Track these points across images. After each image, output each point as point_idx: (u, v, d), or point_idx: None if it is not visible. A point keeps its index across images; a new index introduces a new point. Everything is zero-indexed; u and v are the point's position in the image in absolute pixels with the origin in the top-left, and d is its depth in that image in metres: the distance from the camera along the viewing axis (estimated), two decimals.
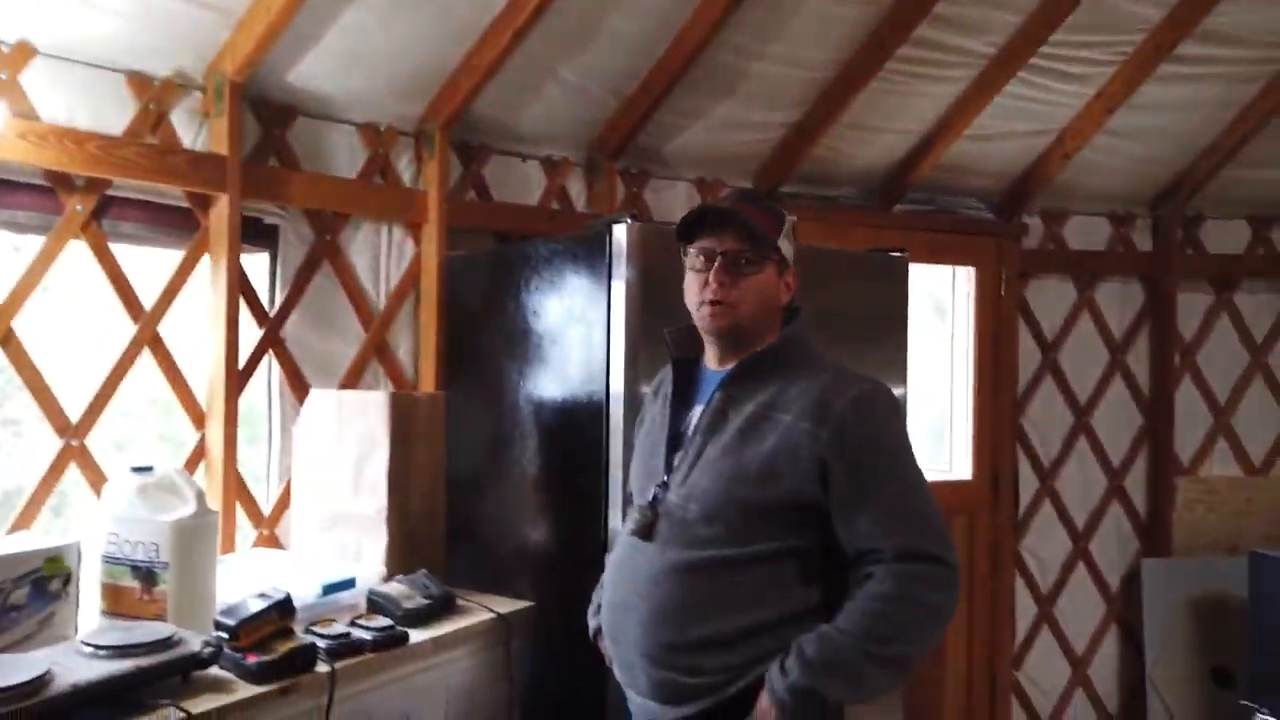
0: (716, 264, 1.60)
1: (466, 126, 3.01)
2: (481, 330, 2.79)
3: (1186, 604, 3.88)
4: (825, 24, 3.14)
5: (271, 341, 2.63)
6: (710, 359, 1.71)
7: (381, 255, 2.89)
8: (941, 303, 4.07)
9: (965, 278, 4.02)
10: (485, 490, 2.67)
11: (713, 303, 1.61)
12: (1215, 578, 3.88)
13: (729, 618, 1.54)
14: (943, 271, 3.98)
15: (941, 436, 3.97)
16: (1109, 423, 4.09)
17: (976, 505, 3.84)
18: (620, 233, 2.27)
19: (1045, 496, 4.04)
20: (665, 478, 1.64)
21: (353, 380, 2.79)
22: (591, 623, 1.83)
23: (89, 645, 1.60)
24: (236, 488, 2.48)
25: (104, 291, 2.35)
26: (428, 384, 2.90)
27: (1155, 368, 4.10)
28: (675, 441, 1.68)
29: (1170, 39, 3.35)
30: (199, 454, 2.46)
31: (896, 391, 2.62)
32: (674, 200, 3.61)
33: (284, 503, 2.63)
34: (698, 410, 1.67)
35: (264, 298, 2.66)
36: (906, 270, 2.78)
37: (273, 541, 2.61)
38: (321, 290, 2.76)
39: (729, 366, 1.66)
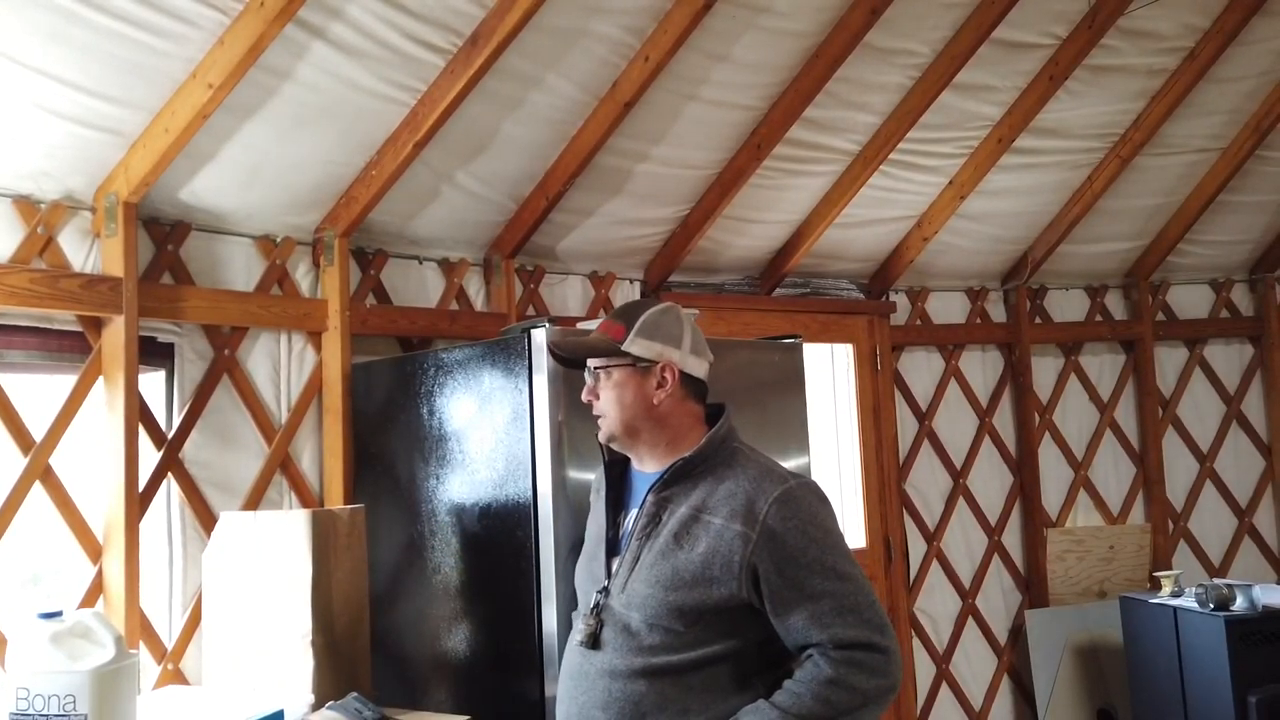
0: (586, 386, 1.75)
1: (364, 233, 3.02)
2: (388, 436, 2.77)
3: (1069, 650, 4.13)
4: (706, 127, 3.35)
5: (171, 463, 2.52)
6: (636, 462, 1.77)
7: (281, 365, 2.84)
8: (820, 381, 4.28)
9: (843, 355, 4.26)
10: (403, 601, 2.62)
11: (595, 416, 1.75)
12: (1091, 623, 4.16)
13: None
14: (820, 350, 4.21)
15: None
16: (984, 482, 4.38)
17: (872, 571, 4.01)
18: (539, 335, 2.33)
19: (933, 557, 4.25)
20: (605, 583, 1.67)
21: (256, 497, 2.69)
22: None
23: None
24: (140, 623, 2.34)
25: None
26: (335, 495, 2.83)
27: (1019, 428, 4.44)
28: (613, 546, 1.71)
29: (1010, 134, 3.73)
30: (96, 589, 2.32)
31: (799, 463, 2.75)
32: (569, 294, 3.70)
33: (188, 635, 2.49)
34: (632, 514, 1.71)
35: (160, 418, 2.56)
36: (801, 353, 2.94)
37: (178, 677, 2.46)
38: (220, 406, 2.67)
39: (656, 470, 1.71)
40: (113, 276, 2.35)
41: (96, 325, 2.38)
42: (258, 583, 2.25)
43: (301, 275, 2.90)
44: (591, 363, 1.74)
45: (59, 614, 1.82)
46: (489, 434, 2.47)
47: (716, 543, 1.58)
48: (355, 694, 2.14)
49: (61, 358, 2.35)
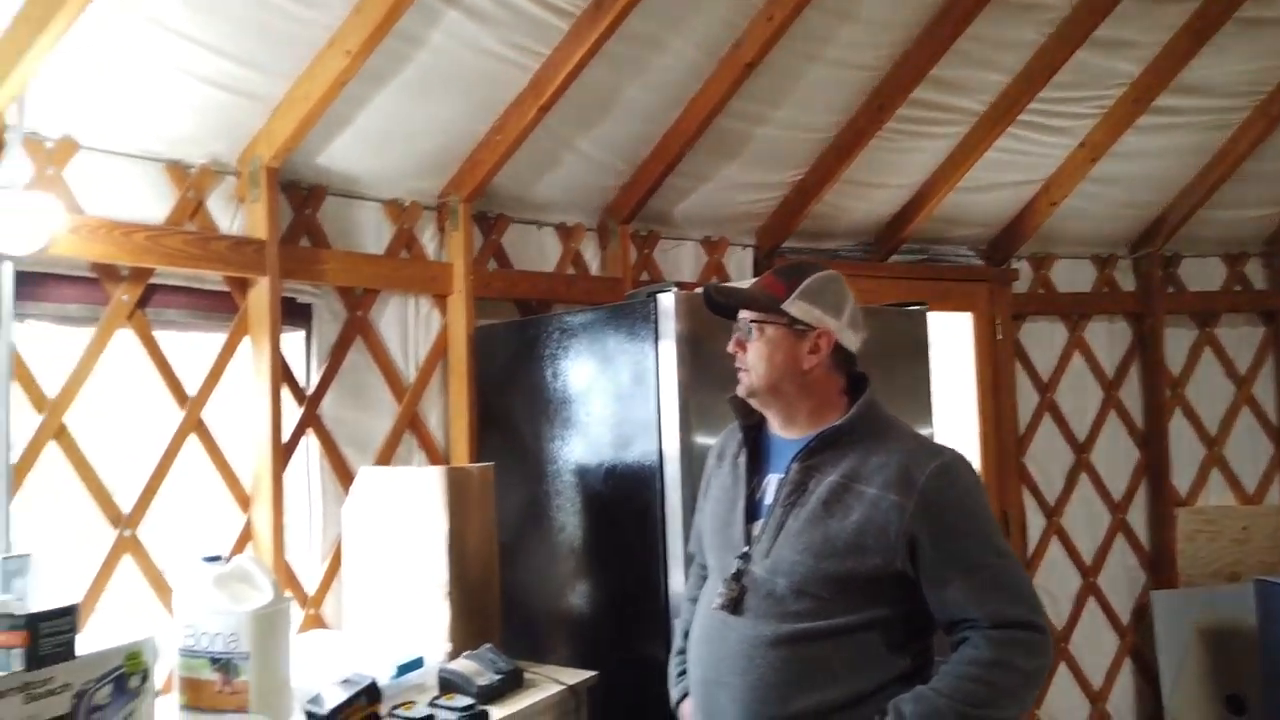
0: (734, 335, 1.71)
1: (486, 198, 3.06)
2: (510, 398, 2.82)
3: (1197, 633, 3.96)
4: (827, 89, 3.28)
5: (310, 419, 2.63)
6: (774, 425, 1.73)
7: (410, 328, 2.92)
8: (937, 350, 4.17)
9: (960, 324, 4.14)
10: (525, 558, 2.67)
11: (737, 368, 1.71)
12: (1222, 606, 3.97)
13: (827, 690, 1.54)
14: (937, 319, 4.08)
15: None
16: (1108, 458, 4.21)
17: None
18: (666, 300, 2.33)
19: (1053, 534, 4.12)
20: (746, 549, 1.63)
21: (388, 453, 2.79)
22: (674, 692, 1.82)
23: None
24: (284, 569, 2.46)
25: (146, 379, 2.34)
26: (460, 454, 2.91)
27: (1147, 402, 4.24)
28: (751, 511, 1.68)
29: (1148, 92, 3.54)
30: (245, 537, 2.44)
31: (924, 433, 2.69)
32: (682, 259, 3.69)
33: (328, 582, 2.61)
34: (772, 479, 1.67)
35: (300, 376, 2.66)
36: (925, 321, 2.88)
37: (318, 622, 2.58)
38: (354, 366, 2.77)
39: (799, 436, 1.67)
40: (257, 239, 2.45)
41: (242, 286, 2.48)
42: (395, 535, 2.33)
43: (428, 239, 2.97)
44: (745, 315, 1.68)
45: (220, 558, 1.92)
46: (613, 397, 2.50)
47: (871, 512, 1.54)
48: (489, 645, 2.20)
49: (211, 316, 2.46)
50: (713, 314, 1.75)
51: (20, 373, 2.04)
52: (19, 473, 2.02)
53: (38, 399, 2.09)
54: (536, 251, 3.30)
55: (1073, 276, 4.28)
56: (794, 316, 1.63)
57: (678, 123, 3.16)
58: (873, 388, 1.69)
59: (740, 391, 1.70)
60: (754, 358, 1.66)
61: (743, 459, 1.72)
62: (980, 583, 1.52)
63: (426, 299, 2.95)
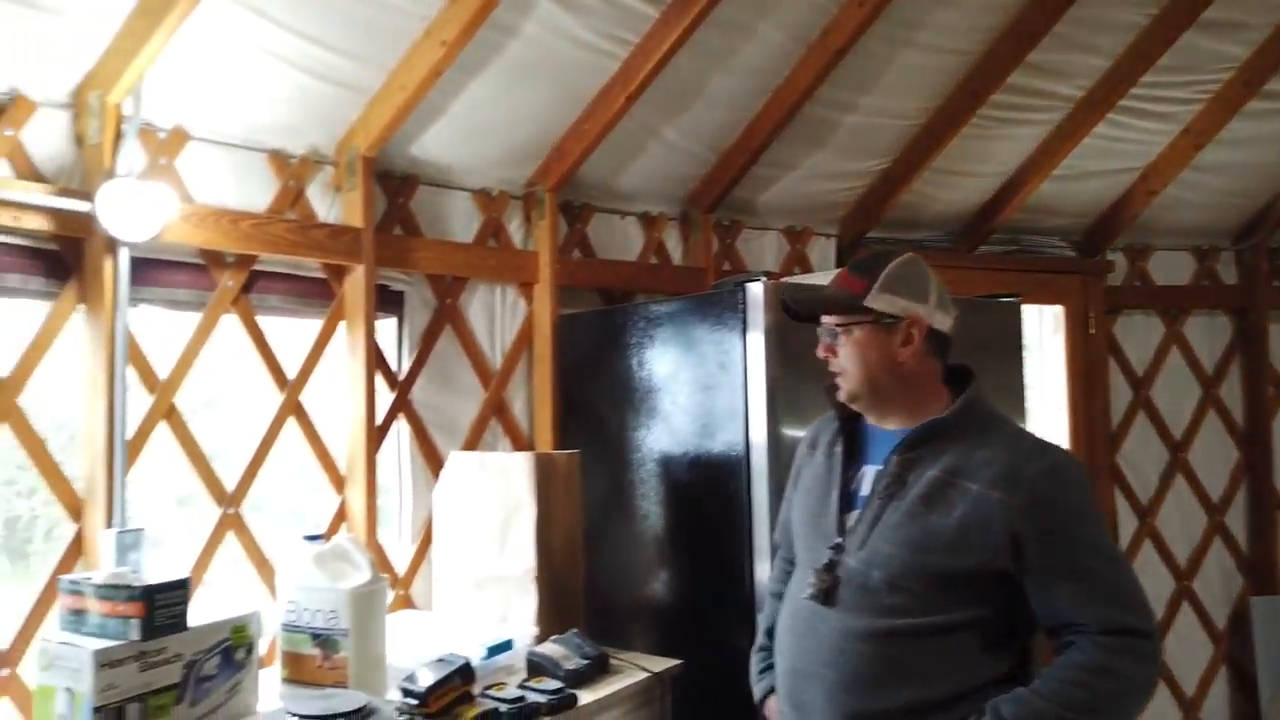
0: (821, 340, 1.66)
1: (571, 187, 3.08)
2: (594, 385, 2.84)
3: None
4: (918, 75, 3.21)
5: (402, 404, 2.69)
6: (873, 418, 1.68)
7: (496, 316, 2.96)
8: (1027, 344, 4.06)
9: (1050, 317, 4.03)
10: (608, 545, 2.69)
11: (832, 372, 1.66)
12: None
13: (921, 688, 1.51)
14: (1027, 311, 3.98)
15: None
16: (1206, 458, 4.05)
17: None
18: (755, 290, 2.32)
19: (1146, 536, 3.98)
20: (840, 540, 1.59)
21: (474, 439, 2.83)
22: (757, 688, 1.80)
23: (295, 715, 1.63)
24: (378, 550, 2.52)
25: (248, 363, 2.42)
26: (544, 441, 2.94)
27: (1249, 401, 4.07)
28: (846, 502, 1.63)
29: (1258, 76, 3.38)
30: (340, 517, 2.51)
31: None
32: (764, 249, 3.67)
33: (416, 563, 2.66)
34: (869, 470, 1.63)
35: (392, 362, 2.72)
36: (1019, 313, 2.81)
37: (407, 603, 2.64)
38: (443, 353, 2.82)
39: (898, 427, 1.62)
40: (353, 227, 2.51)
41: (339, 273, 2.54)
42: (484, 518, 2.37)
43: (515, 228, 3.00)
44: (829, 319, 1.64)
45: (320, 537, 1.98)
46: (698, 386, 2.49)
47: (974, 509, 1.49)
48: (575, 630, 2.23)
49: (309, 303, 2.53)
50: (795, 322, 1.71)
51: (134, 355, 2.13)
52: (132, 450, 2.10)
53: (150, 380, 2.18)
54: (619, 241, 3.31)
55: (1171, 268, 4.12)
56: (879, 311, 1.58)
57: (764, 110, 3.14)
58: (978, 381, 1.63)
59: (842, 397, 1.65)
60: (846, 361, 1.62)
61: (839, 448, 1.67)
62: (1088, 586, 1.47)
63: (513, 287, 2.99)
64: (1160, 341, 4.07)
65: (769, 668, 1.76)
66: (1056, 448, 1.58)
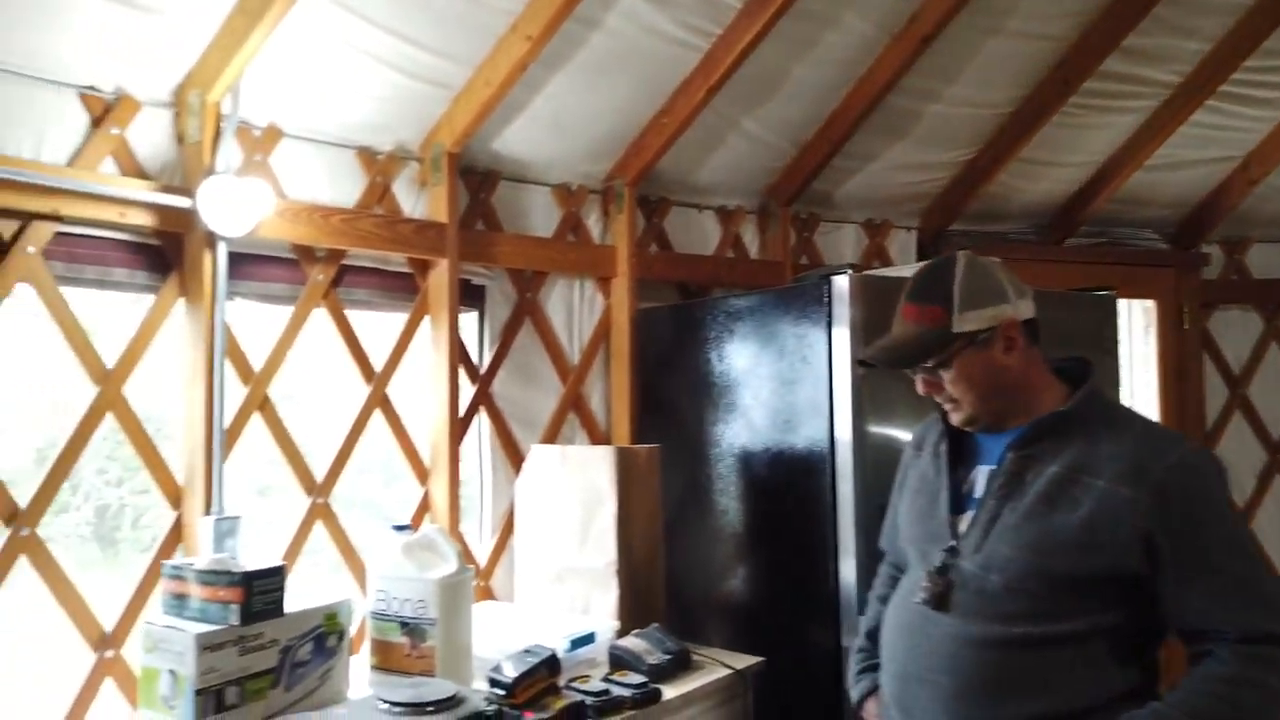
0: (918, 379, 1.56)
1: (648, 181, 3.07)
2: (672, 380, 2.83)
3: None
4: (1008, 62, 3.12)
5: (483, 397, 2.72)
6: (993, 429, 1.56)
7: (575, 309, 2.97)
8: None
9: (1141, 312, 3.89)
10: (686, 540, 2.68)
11: (939, 404, 1.58)
12: None
13: (1044, 700, 1.42)
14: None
15: None
16: None
17: None
18: (841, 283, 2.28)
19: None
20: (953, 542, 1.51)
21: (553, 432, 2.85)
22: (855, 690, 1.75)
23: (385, 703, 1.65)
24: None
25: (336, 356, 2.47)
26: (621, 435, 2.95)
27: None
28: (958, 503, 1.55)
29: None
30: (423, 508, 2.54)
31: None
32: (842, 243, 3.61)
33: (496, 555, 2.69)
34: (982, 470, 1.55)
35: (473, 355, 2.75)
36: (1114, 308, 2.71)
37: (488, 594, 2.67)
38: (522, 346, 2.84)
39: (1015, 425, 1.53)
40: (438, 222, 2.54)
41: (424, 268, 2.58)
42: (565, 511, 2.38)
43: (593, 222, 3.01)
44: (927, 364, 1.53)
45: (408, 527, 2.01)
46: (780, 381, 2.46)
47: (1101, 507, 1.39)
48: (656, 625, 2.22)
49: (394, 297, 2.57)
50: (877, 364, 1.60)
51: (230, 347, 2.19)
52: (228, 440, 2.16)
53: (244, 372, 2.24)
54: (697, 235, 3.29)
55: (1271, 262, 3.94)
56: (972, 331, 1.48)
57: (846, 101, 3.08)
58: (1097, 372, 1.54)
59: (956, 423, 1.57)
60: (956, 392, 1.53)
61: (944, 447, 1.60)
62: (1226, 590, 1.37)
63: (591, 281, 2.99)
64: (1258, 338, 3.90)
65: (868, 669, 1.72)
66: (1188, 439, 1.48)
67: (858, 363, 1.60)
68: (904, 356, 1.55)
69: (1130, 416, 1.53)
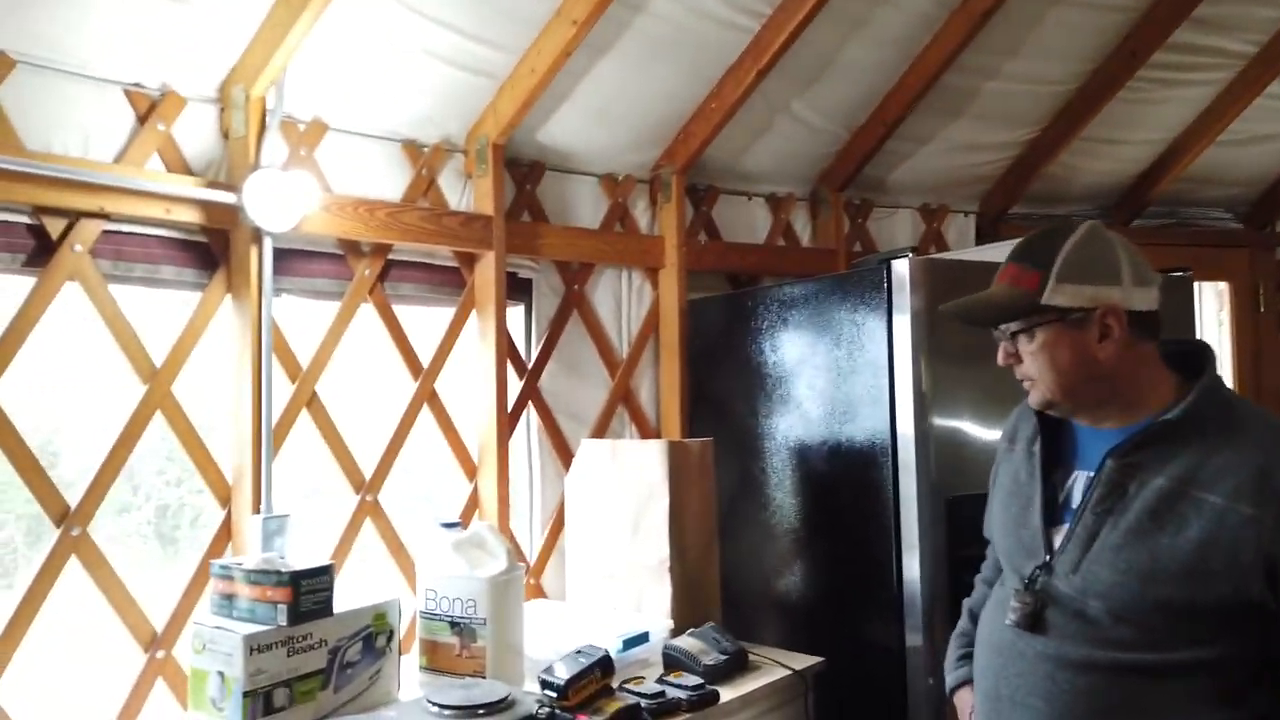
0: (1000, 346, 1.42)
1: (696, 170, 3.00)
2: (722, 371, 2.76)
3: None
4: (1072, 35, 2.99)
5: (531, 391, 2.67)
6: (1080, 420, 1.43)
7: (623, 301, 2.91)
8: None
9: (1214, 294, 3.72)
10: (740, 536, 2.61)
11: (1019, 380, 1.44)
12: None
13: None
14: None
15: None
16: None
17: None
18: (901, 267, 2.19)
19: None
20: (1047, 558, 1.37)
21: (602, 426, 2.80)
22: (950, 677, 1.64)
23: (435, 705, 1.61)
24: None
25: (383, 351, 2.44)
26: (671, 428, 2.88)
27: None
28: (1052, 514, 1.41)
29: None
30: (472, 505, 2.51)
31: None
32: (897, 229, 3.51)
33: (546, 552, 2.65)
34: (1079, 477, 1.40)
35: (520, 349, 2.71)
36: (1191, 290, 2.58)
37: (538, 592, 2.63)
38: (570, 339, 2.79)
39: (1116, 426, 1.37)
40: (484, 215, 2.49)
41: (470, 261, 2.54)
42: (616, 507, 2.33)
43: (640, 212, 2.94)
44: (1006, 327, 1.39)
45: (458, 524, 1.97)
46: (837, 372, 2.38)
47: (1215, 528, 1.24)
48: (712, 624, 2.16)
49: (441, 291, 2.54)
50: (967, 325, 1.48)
51: (277, 343, 2.17)
52: (276, 437, 2.14)
53: (292, 368, 2.22)
54: (746, 223, 3.21)
55: None
56: (1063, 308, 1.33)
57: (901, 81, 2.98)
58: (1213, 367, 1.36)
59: (1033, 404, 1.42)
60: (1034, 368, 1.38)
61: (1038, 447, 1.45)
62: None
63: (639, 272, 2.93)
64: None
65: (966, 656, 1.60)
66: None
67: (939, 310, 1.48)
68: (980, 315, 1.42)
69: (1254, 417, 1.34)
